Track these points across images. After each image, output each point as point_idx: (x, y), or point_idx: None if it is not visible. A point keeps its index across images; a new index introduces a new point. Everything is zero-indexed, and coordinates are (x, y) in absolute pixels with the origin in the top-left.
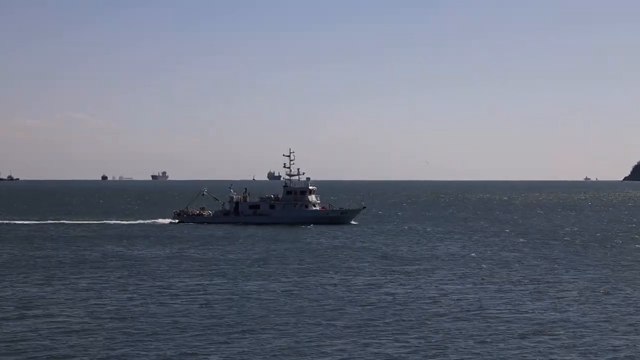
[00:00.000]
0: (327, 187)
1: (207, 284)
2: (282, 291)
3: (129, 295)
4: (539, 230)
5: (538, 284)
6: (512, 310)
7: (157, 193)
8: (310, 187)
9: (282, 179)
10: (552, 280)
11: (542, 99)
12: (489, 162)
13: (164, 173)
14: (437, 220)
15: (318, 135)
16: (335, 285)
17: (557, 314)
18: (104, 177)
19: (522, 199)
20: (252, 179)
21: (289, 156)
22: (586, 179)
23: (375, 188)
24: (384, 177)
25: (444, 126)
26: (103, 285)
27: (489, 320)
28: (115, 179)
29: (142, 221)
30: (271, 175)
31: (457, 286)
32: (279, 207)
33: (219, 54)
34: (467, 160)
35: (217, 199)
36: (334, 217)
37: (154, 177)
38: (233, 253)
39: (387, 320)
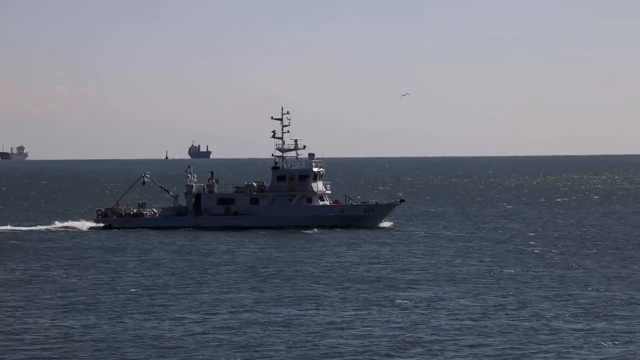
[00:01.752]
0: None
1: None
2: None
3: None
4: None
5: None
6: None
7: (27, 179)
8: (315, 170)
9: (211, 155)
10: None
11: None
12: (520, 134)
13: (20, 149)
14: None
15: (270, 91)
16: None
17: None
18: None
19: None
20: (164, 157)
21: (281, 120)
22: None
23: (381, 168)
24: (370, 153)
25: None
26: None
27: None
28: None
29: (40, 227)
30: (194, 151)
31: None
32: (266, 202)
33: None
34: (492, 133)
35: (165, 190)
36: (354, 217)
37: (3, 155)
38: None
39: None
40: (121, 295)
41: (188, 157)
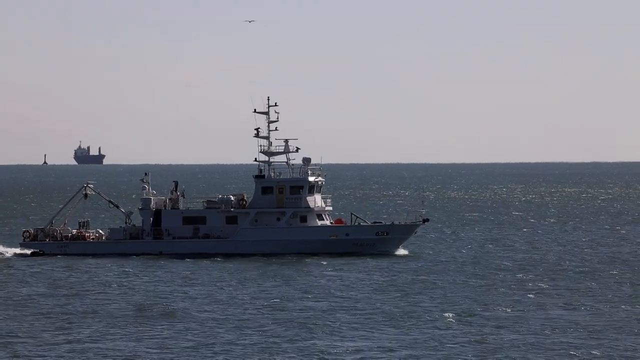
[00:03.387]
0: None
1: None
2: None
3: None
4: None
5: None
6: None
7: None
8: (311, 179)
9: (105, 159)
10: None
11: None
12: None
13: None
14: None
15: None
16: None
17: None
18: None
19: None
20: (42, 162)
21: (267, 113)
22: None
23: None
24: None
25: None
26: None
27: None
28: None
29: None
30: (81, 154)
31: None
32: (247, 221)
33: None
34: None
35: (115, 205)
36: (363, 241)
37: None
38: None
39: None
40: None
41: (74, 162)
